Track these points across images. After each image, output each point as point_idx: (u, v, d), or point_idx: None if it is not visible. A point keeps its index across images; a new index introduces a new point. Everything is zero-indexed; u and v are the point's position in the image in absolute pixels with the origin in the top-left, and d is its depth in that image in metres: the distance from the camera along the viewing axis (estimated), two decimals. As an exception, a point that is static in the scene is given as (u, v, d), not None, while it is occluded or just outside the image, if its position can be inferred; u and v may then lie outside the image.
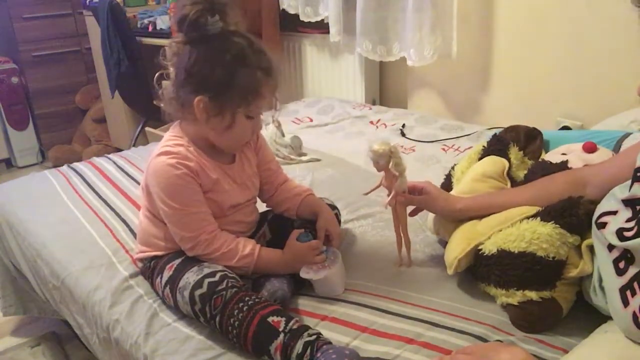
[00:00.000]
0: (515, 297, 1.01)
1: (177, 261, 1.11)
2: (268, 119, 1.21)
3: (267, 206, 1.33)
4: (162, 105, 1.15)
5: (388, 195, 1.18)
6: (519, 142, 1.39)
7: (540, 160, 1.34)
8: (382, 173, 1.17)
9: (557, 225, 0.99)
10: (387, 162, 1.13)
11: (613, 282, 0.87)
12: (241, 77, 1.04)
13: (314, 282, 1.13)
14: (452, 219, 1.18)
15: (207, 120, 1.07)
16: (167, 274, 1.10)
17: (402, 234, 1.22)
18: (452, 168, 1.41)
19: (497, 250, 1.04)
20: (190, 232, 1.09)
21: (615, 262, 0.87)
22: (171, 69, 1.10)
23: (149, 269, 1.17)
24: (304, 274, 1.11)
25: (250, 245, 1.12)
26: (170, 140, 1.13)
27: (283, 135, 1.90)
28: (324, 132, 2.18)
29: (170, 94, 1.11)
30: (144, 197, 1.18)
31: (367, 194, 1.25)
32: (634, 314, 0.80)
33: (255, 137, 1.23)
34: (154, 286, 1.15)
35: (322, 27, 2.59)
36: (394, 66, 2.49)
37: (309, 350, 0.91)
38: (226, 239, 1.11)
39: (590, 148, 1.27)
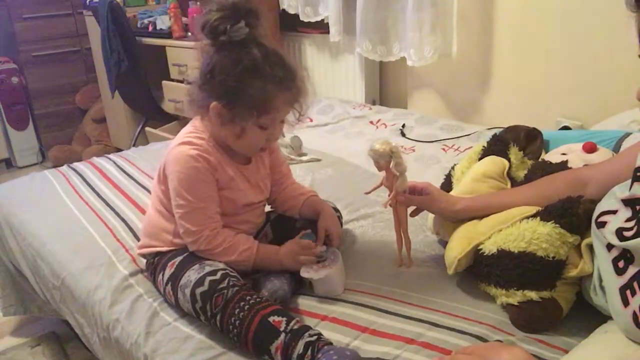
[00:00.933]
0: (515, 297, 1.01)
1: (179, 259, 1.11)
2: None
3: (270, 205, 1.33)
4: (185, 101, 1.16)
5: (389, 195, 1.18)
6: (519, 142, 1.39)
7: (540, 160, 1.34)
8: (383, 172, 1.17)
9: (557, 225, 0.99)
10: (387, 161, 1.13)
11: (613, 282, 0.87)
12: (251, 89, 1.04)
13: (313, 282, 1.13)
14: (452, 219, 1.18)
15: (221, 125, 1.08)
16: (168, 272, 1.10)
17: (402, 234, 1.22)
18: (452, 168, 1.41)
19: (497, 250, 1.04)
20: (196, 226, 1.10)
21: (615, 261, 0.87)
22: (190, 72, 1.11)
23: (152, 264, 1.18)
24: (304, 273, 1.12)
25: (250, 241, 1.14)
26: (192, 133, 1.14)
27: (283, 135, 1.90)
28: (324, 132, 2.19)
29: (192, 94, 1.11)
30: (158, 189, 1.18)
31: (368, 193, 1.26)
32: (634, 314, 0.80)
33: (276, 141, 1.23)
34: (156, 283, 1.16)
35: (322, 27, 2.59)
36: (394, 66, 2.49)
37: (309, 351, 0.91)
38: (226, 235, 1.12)
39: (590, 148, 1.27)
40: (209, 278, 1.02)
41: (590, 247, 0.98)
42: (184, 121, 2.82)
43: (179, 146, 1.11)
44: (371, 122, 2.22)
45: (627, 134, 1.38)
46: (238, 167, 1.16)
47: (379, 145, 1.12)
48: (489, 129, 1.96)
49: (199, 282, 1.02)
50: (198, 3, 2.67)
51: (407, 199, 1.18)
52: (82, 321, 1.27)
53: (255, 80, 1.04)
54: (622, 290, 0.84)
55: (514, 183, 1.29)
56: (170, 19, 2.73)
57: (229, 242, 1.11)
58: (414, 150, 1.91)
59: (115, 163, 1.90)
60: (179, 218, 1.11)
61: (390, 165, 1.14)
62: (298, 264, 1.13)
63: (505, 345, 0.89)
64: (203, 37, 1.06)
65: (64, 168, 1.88)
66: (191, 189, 1.09)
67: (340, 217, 1.33)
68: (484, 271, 1.07)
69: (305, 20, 2.62)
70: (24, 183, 1.80)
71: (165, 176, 1.13)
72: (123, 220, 1.50)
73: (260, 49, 1.05)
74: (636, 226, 0.84)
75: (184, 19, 2.78)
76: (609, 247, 0.89)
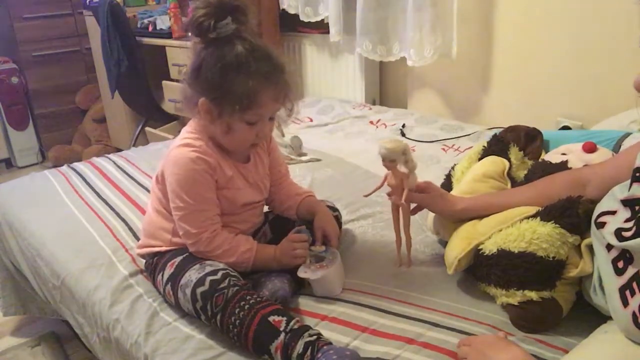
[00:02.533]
0: (515, 297, 1.01)
1: (179, 259, 1.11)
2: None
3: (267, 205, 1.33)
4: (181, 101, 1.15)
5: (388, 195, 1.18)
6: (519, 142, 1.39)
7: (540, 160, 1.34)
8: (383, 174, 1.17)
9: (557, 225, 0.99)
10: (400, 159, 1.12)
11: (612, 282, 0.87)
12: (234, 84, 1.04)
13: (311, 282, 1.13)
14: (453, 219, 1.18)
15: (210, 121, 1.09)
16: (168, 271, 1.10)
17: (403, 234, 1.21)
18: (452, 168, 1.41)
19: (497, 250, 1.04)
20: (196, 228, 1.10)
21: (614, 261, 0.87)
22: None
23: (151, 265, 1.18)
24: (302, 273, 1.11)
25: (249, 243, 1.14)
26: (191, 134, 1.14)
27: (283, 135, 1.90)
28: (324, 132, 2.19)
29: (185, 92, 1.11)
30: (158, 189, 1.18)
31: (367, 195, 1.25)
32: (634, 314, 0.80)
33: (268, 138, 1.23)
34: (155, 283, 1.16)
35: (322, 27, 2.59)
36: (394, 66, 2.49)
37: (309, 351, 0.91)
38: (226, 237, 1.12)
39: (590, 148, 1.27)
40: (209, 278, 1.02)
41: (590, 248, 0.98)
42: (184, 121, 2.82)
43: (178, 148, 1.11)
44: (371, 122, 2.22)
45: (627, 134, 1.38)
46: (237, 166, 1.16)
47: (393, 144, 1.11)
48: (489, 129, 1.96)
49: (200, 281, 1.02)
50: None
51: (409, 197, 1.18)
52: (82, 321, 1.27)
53: (238, 76, 1.04)
54: (622, 290, 0.84)
55: (514, 183, 1.29)
56: (170, 19, 2.73)
57: (228, 243, 1.11)
58: (414, 150, 1.90)
59: (115, 163, 1.90)
60: (179, 220, 1.11)
61: (400, 163, 1.13)
62: (293, 258, 1.13)
63: (504, 343, 0.89)
64: (193, 36, 1.06)
65: (64, 168, 1.88)
66: (190, 192, 1.09)
67: (339, 217, 1.33)
68: (484, 271, 1.07)
69: (305, 20, 2.62)
70: (24, 183, 1.80)
71: (165, 177, 1.13)
72: (123, 220, 1.50)
73: (245, 44, 1.05)
74: (635, 226, 0.84)
75: (184, 19, 2.78)
76: (609, 247, 0.89)
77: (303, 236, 1.15)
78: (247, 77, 1.04)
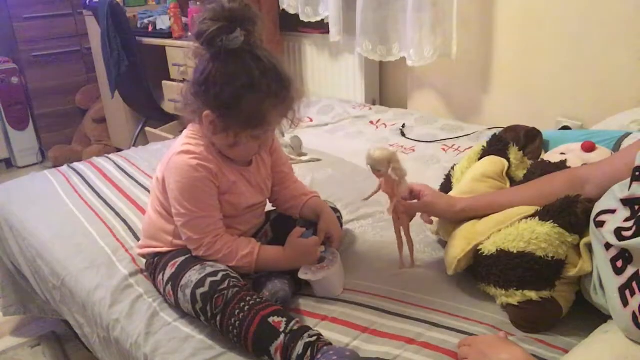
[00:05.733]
0: (515, 297, 1.01)
1: (180, 259, 1.11)
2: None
3: (271, 204, 1.33)
4: (178, 104, 1.14)
5: (390, 201, 1.18)
6: (518, 142, 1.39)
7: (539, 160, 1.34)
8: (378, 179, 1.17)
9: (556, 225, 0.99)
10: (387, 168, 1.13)
11: (611, 282, 0.87)
12: (248, 104, 1.03)
13: (312, 283, 1.13)
14: (453, 220, 1.19)
15: (213, 133, 1.08)
16: (169, 272, 1.10)
17: (404, 237, 1.21)
18: (452, 168, 1.41)
19: (497, 250, 1.04)
20: (198, 234, 1.10)
21: (613, 261, 0.87)
22: (189, 72, 1.09)
23: (152, 264, 1.18)
24: (303, 274, 1.11)
25: (250, 245, 1.13)
26: (192, 139, 1.13)
27: (283, 135, 1.90)
28: (324, 132, 2.19)
29: (186, 99, 1.09)
30: (158, 192, 1.17)
31: (366, 199, 1.25)
32: (634, 314, 0.80)
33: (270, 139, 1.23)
34: (156, 283, 1.16)
35: (322, 27, 2.59)
36: (394, 66, 2.49)
37: (309, 352, 0.91)
38: (227, 241, 1.11)
39: (589, 147, 1.27)
40: (209, 279, 1.02)
41: (589, 247, 0.98)
42: (184, 121, 2.82)
43: (179, 155, 1.10)
44: (371, 122, 2.22)
45: (627, 134, 1.38)
46: (239, 170, 1.16)
47: (378, 153, 1.11)
48: (489, 129, 1.96)
49: (200, 282, 1.02)
50: (198, 3, 2.67)
51: (408, 207, 1.18)
52: (82, 321, 1.27)
53: (251, 96, 1.02)
54: (621, 290, 0.84)
55: (514, 183, 1.29)
56: (170, 19, 2.74)
57: (228, 248, 1.10)
58: (413, 150, 1.91)
59: (115, 163, 1.90)
60: (181, 226, 1.11)
61: (389, 171, 1.14)
62: (309, 261, 1.13)
63: (504, 343, 0.89)
64: (200, 45, 1.04)
65: (64, 168, 1.88)
66: (192, 199, 1.09)
67: (340, 218, 1.33)
68: (484, 271, 1.07)
69: (305, 20, 2.61)
70: (24, 183, 1.80)
71: (166, 184, 1.13)
72: (123, 220, 1.50)
73: (257, 63, 1.02)
74: (635, 226, 0.84)
75: (184, 19, 2.78)
76: (607, 246, 0.89)
77: (317, 240, 1.15)
78: (259, 97, 1.03)
